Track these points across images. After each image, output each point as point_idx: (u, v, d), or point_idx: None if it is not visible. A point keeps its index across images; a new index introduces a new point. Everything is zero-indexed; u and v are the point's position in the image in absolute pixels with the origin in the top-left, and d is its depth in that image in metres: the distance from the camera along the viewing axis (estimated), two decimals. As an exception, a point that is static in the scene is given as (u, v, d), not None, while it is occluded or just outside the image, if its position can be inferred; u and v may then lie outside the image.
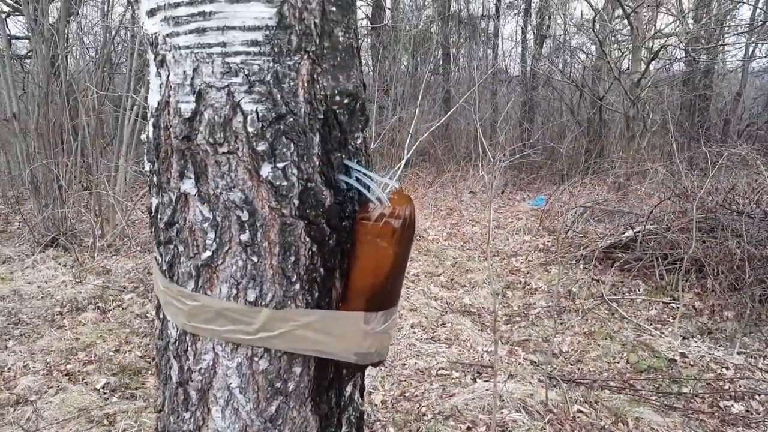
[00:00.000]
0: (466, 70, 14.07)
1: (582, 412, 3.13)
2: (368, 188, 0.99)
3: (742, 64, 11.95)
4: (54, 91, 6.59)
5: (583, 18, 12.68)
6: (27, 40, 8.81)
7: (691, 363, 3.82)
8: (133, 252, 5.83)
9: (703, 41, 9.71)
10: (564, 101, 12.38)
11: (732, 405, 3.32)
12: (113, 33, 7.11)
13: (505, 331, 4.36)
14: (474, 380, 3.47)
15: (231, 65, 0.88)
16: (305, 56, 0.91)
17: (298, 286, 0.98)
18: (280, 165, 0.91)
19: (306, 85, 0.92)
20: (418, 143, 5.81)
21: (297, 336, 0.97)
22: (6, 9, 9.82)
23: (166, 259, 1.01)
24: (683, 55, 10.17)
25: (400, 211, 0.94)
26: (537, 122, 13.59)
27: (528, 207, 9.02)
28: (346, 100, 0.98)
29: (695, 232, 4.49)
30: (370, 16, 13.40)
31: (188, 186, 0.93)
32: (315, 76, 0.93)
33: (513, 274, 5.89)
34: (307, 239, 0.96)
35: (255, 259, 0.94)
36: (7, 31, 9.44)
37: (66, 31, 7.19)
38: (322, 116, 0.94)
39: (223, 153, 0.90)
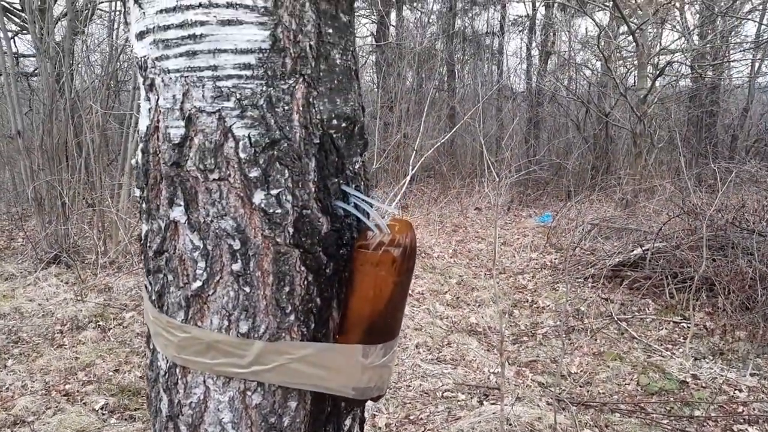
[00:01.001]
0: (471, 86, 14.10)
1: (591, 436, 3.05)
2: (367, 215, 0.95)
3: (749, 80, 11.91)
4: (59, 109, 6.61)
5: (588, 35, 12.71)
6: (34, 58, 8.89)
7: (703, 385, 3.73)
8: (135, 269, 5.80)
9: (708, 57, 9.69)
10: (570, 117, 12.36)
11: (746, 429, 3.23)
12: (119, 51, 7.15)
13: (513, 351, 4.28)
14: (480, 403, 3.39)
15: (222, 89, 0.85)
16: (300, 79, 0.87)
17: (293, 318, 0.93)
18: (274, 192, 0.87)
19: (301, 109, 0.88)
20: (423, 159, 5.78)
21: (292, 370, 0.93)
22: (15, 28, 9.94)
23: (156, 289, 0.97)
24: (689, 71, 10.15)
25: (400, 239, 0.90)
26: (543, 138, 13.58)
27: (534, 224, 8.96)
28: (343, 124, 0.95)
29: (705, 250, 4.41)
30: (374, 33, 13.48)
31: (178, 213, 0.89)
32: (311, 99, 0.89)
33: (520, 292, 5.82)
34: (303, 268, 0.92)
35: (247, 289, 0.90)
36: (15, 49, 9.54)
37: (71, 49, 7.25)
38: (318, 141, 0.91)
39: (214, 180, 0.86)
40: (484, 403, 3.38)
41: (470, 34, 14.61)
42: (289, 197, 0.88)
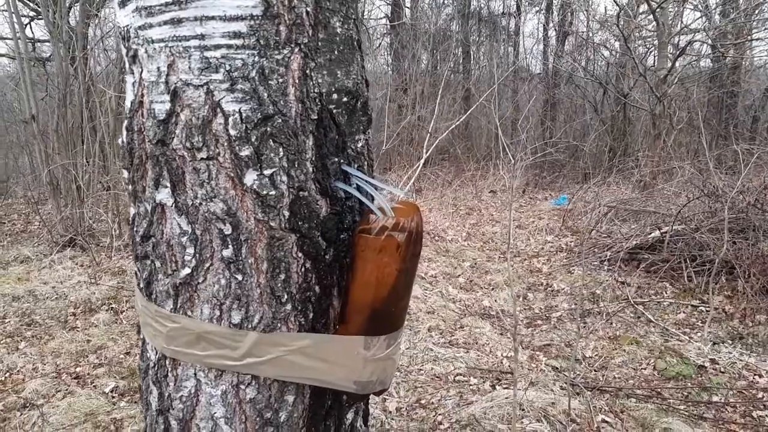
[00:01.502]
0: (486, 68, 13.87)
1: (607, 422, 2.98)
2: (370, 197, 0.88)
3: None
4: (73, 93, 6.59)
5: (607, 14, 12.40)
6: (49, 43, 8.87)
7: (722, 370, 3.64)
8: (149, 253, 5.79)
9: (730, 36, 9.40)
10: (587, 99, 12.13)
11: (766, 416, 3.15)
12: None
13: (526, 335, 4.22)
14: (493, 387, 3.34)
15: (210, 60, 0.78)
16: (296, 49, 0.80)
17: (289, 307, 0.87)
18: (267, 172, 0.80)
19: (297, 81, 0.81)
20: (437, 142, 5.69)
21: (288, 362, 0.87)
22: (30, 13, 9.93)
23: (143, 276, 0.91)
24: (710, 51, 9.87)
25: (405, 223, 0.83)
26: (559, 120, 13.35)
27: (550, 206, 8.84)
28: (344, 99, 0.87)
29: (726, 233, 4.29)
30: (389, 15, 13.29)
31: (164, 195, 0.83)
32: (308, 71, 0.82)
33: (534, 275, 5.73)
34: (300, 254, 0.86)
35: (239, 277, 0.84)
36: (31, 35, 9.54)
37: (85, 34, 7.21)
38: (316, 117, 0.83)
39: (202, 159, 0.80)
40: (497, 387, 3.32)
41: (486, 14, 14.34)
42: (284, 178, 0.82)
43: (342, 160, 0.88)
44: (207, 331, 0.87)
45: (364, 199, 0.87)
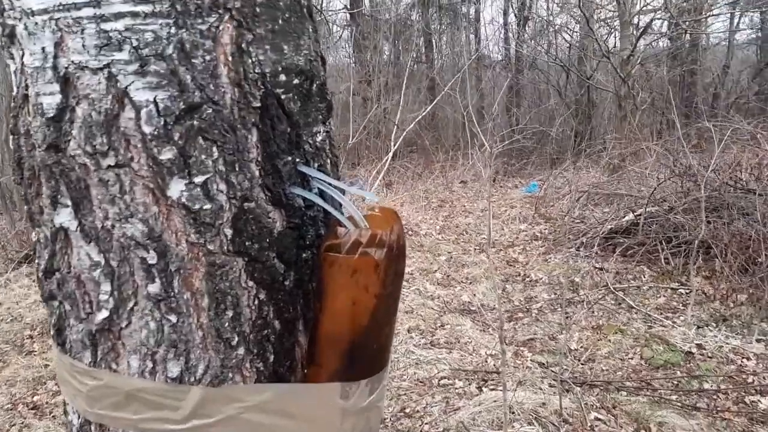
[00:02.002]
0: (449, 56, 13.75)
1: (600, 419, 2.86)
2: (337, 204, 0.69)
3: (728, 36, 11.73)
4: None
5: (566, -4, 12.38)
6: None
7: (709, 355, 3.56)
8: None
9: (687, 15, 9.45)
10: (551, 83, 12.11)
11: (759, 400, 3.07)
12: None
13: (508, 329, 4.08)
14: (480, 389, 3.19)
15: (111, 35, 0.58)
16: (226, 17, 0.61)
17: (242, 351, 0.68)
18: (199, 179, 0.61)
19: (230, 59, 0.61)
20: (405, 134, 5.51)
21: (246, 422, 0.68)
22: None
23: (53, 321, 0.71)
24: (670, 29, 9.92)
25: (383, 235, 0.65)
26: (524, 106, 13.31)
27: (521, 194, 8.76)
28: (295, 80, 0.68)
29: (704, 212, 4.22)
30: (348, 6, 13.04)
31: (65, 218, 0.63)
32: (244, 45, 0.63)
33: (511, 265, 5.61)
34: (251, 283, 0.66)
35: (173, 318, 0.64)
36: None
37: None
38: (259, 104, 0.64)
39: (110, 167, 0.60)
40: (484, 389, 3.17)
41: (446, 2, 14.20)
42: (223, 186, 0.62)
43: (298, 159, 0.69)
44: (138, 389, 0.67)
45: (328, 208, 0.68)
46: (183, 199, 0.61)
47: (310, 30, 0.72)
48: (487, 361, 3.54)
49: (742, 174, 5.27)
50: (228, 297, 0.66)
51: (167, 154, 0.59)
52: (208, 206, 0.62)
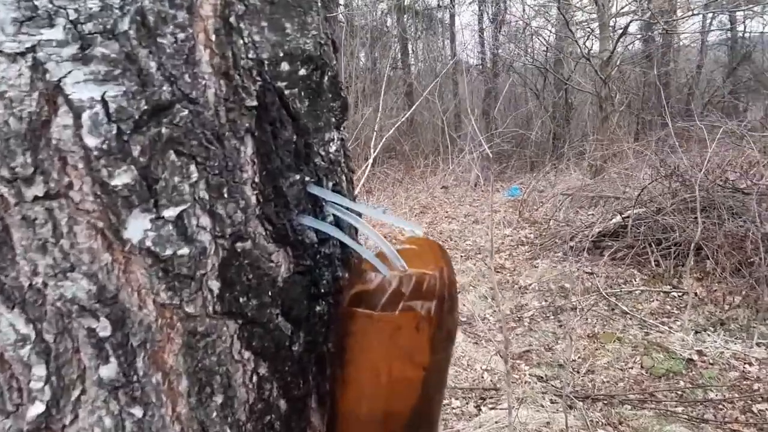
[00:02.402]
0: (426, 62, 13.66)
1: (607, 437, 2.71)
2: (362, 238, 0.51)
3: (701, 36, 11.85)
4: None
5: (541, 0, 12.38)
6: None
7: (711, 362, 3.44)
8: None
9: (664, 15, 9.47)
10: (528, 87, 12.09)
11: (767, 409, 2.95)
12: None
13: (502, 341, 3.92)
14: (478, 408, 3.01)
15: (36, 4, 0.39)
16: (207, -24, 0.42)
17: (236, 445, 0.48)
18: (170, 213, 0.42)
19: (214, 39, 0.43)
20: (384, 140, 5.34)
21: None
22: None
23: (-31, 413, 0.50)
24: (645, 32, 9.95)
25: (431, 280, 0.46)
26: (501, 110, 13.26)
27: (504, 198, 8.66)
28: (301, 71, 0.50)
29: (699, 214, 4.13)
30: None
31: (-26, 274, 0.43)
32: (233, 20, 0.44)
33: (498, 272, 5.47)
34: (247, 354, 0.47)
35: (138, 411, 0.45)
36: None
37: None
38: (255, 102, 0.45)
39: (38, 199, 0.40)
40: (483, 408, 3.00)
41: (421, 8, 14.12)
42: (205, 220, 0.43)
43: (307, 177, 0.50)
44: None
45: (351, 243, 0.50)
46: (147, 242, 0.42)
47: (318, 4, 0.53)
48: (483, 377, 3.36)
49: (730, 174, 5.21)
50: (216, 377, 0.46)
51: (123, 178, 0.40)
52: (184, 251, 0.43)
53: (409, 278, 0.46)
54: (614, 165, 7.76)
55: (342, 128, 0.56)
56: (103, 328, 0.43)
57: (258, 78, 0.45)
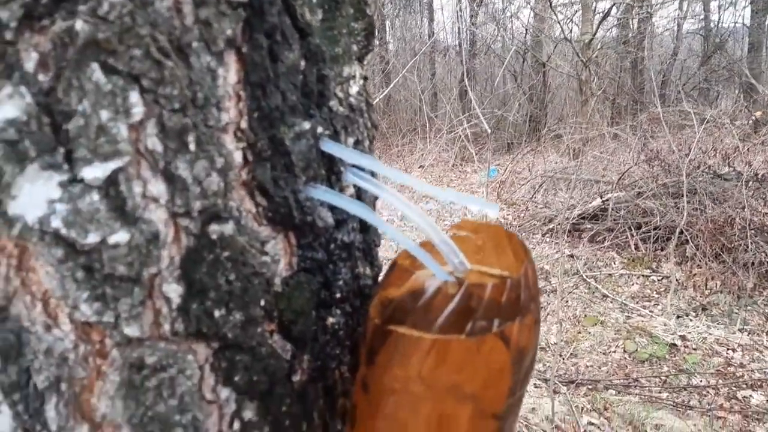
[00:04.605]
0: (403, 41, 13.41)
1: (593, 423, 2.62)
2: (400, 226, 0.33)
3: (677, 22, 11.86)
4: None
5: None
6: None
7: (694, 347, 3.40)
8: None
9: (642, 1, 9.41)
10: (506, 68, 11.96)
11: (751, 395, 2.91)
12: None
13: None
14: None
15: None
16: None
17: None
18: (93, 173, 0.24)
19: None
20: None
21: None
22: None
23: None
24: (621, 16, 9.89)
25: (513, 287, 0.30)
26: (477, 91, 13.13)
27: (481, 179, 8.56)
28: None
29: (685, 198, 4.07)
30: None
31: None
32: None
33: (478, 255, 5.37)
34: (225, 392, 0.31)
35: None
36: None
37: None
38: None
39: None
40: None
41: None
42: (158, 187, 0.26)
43: (321, 128, 0.33)
44: None
45: (390, 231, 0.33)
46: (55, 222, 0.24)
47: None
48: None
49: (708, 160, 5.18)
50: (176, 429, 0.30)
51: (7, 109, 0.23)
52: (121, 236, 0.25)
53: (480, 284, 0.29)
54: (593, 149, 7.71)
55: (364, 61, 0.38)
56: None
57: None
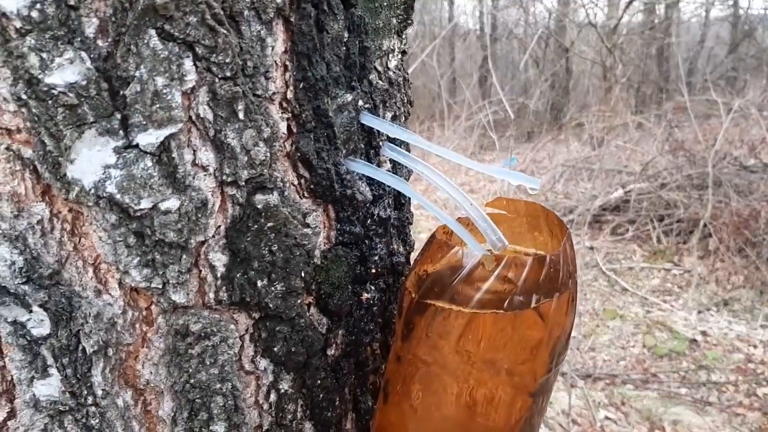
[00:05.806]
0: (423, 24, 13.28)
1: (610, 418, 2.61)
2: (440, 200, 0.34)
3: (705, 8, 11.59)
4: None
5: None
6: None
7: (714, 342, 3.36)
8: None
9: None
10: (529, 54, 11.81)
11: (771, 392, 2.87)
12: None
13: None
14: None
15: None
16: None
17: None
18: (147, 139, 0.25)
19: None
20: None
21: None
22: None
23: None
24: (652, 0, 9.68)
25: (553, 265, 0.30)
26: (498, 77, 12.97)
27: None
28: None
29: (711, 191, 4.00)
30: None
31: None
32: None
33: (496, 244, 5.35)
34: (263, 364, 0.31)
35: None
36: None
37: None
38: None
39: None
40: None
41: (421, -33, 13.65)
42: (207, 155, 0.26)
43: (361, 101, 0.33)
44: None
45: (430, 206, 0.33)
46: (110, 188, 0.25)
47: None
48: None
49: (735, 151, 5.08)
50: (216, 397, 0.30)
51: (66, 74, 0.23)
52: (172, 203, 0.26)
53: (518, 260, 0.30)
54: (616, 138, 7.59)
55: (403, 35, 0.38)
56: (38, 322, 0.26)
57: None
